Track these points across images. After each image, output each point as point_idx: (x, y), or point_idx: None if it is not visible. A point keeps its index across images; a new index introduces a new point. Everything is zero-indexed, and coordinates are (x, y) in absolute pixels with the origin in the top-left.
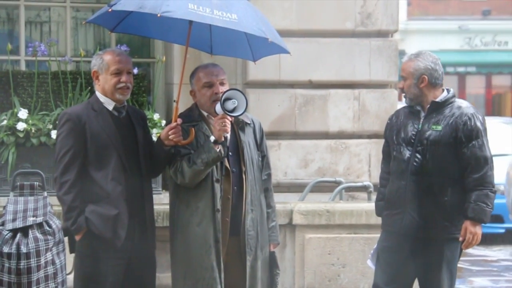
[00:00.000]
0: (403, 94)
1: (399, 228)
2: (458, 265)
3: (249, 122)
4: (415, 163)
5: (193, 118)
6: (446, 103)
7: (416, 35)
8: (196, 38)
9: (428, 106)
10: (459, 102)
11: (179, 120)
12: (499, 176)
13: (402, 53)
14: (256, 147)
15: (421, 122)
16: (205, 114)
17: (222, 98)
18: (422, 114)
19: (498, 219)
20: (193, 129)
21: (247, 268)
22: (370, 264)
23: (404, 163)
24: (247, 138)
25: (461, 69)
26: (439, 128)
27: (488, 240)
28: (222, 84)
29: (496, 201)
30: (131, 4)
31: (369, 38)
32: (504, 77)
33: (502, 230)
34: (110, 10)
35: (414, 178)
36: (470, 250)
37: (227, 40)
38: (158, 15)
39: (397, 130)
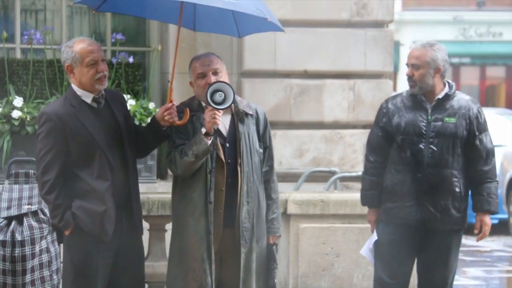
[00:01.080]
0: (411, 83)
1: (412, 220)
2: None
3: (251, 112)
4: (430, 155)
5: (192, 107)
6: (452, 95)
7: (411, 26)
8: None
9: (438, 97)
10: (461, 94)
11: (174, 101)
12: None
13: (397, 43)
14: (258, 138)
15: (429, 113)
16: (204, 105)
17: (209, 91)
18: (428, 105)
19: None
20: (187, 109)
21: (241, 260)
22: (367, 255)
23: (418, 154)
24: (246, 129)
25: (455, 60)
26: (453, 120)
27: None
28: (215, 73)
29: None
30: None
31: (365, 29)
32: (498, 68)
33: (496, 221)
34: None
35: (430, 170)
36: (463, 240)
37: (211, 16)
38: None
39: (402, 120)
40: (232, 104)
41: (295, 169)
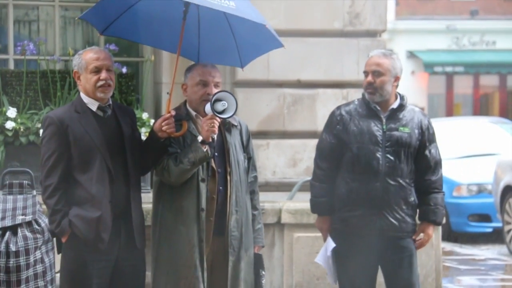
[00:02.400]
0: (371, 89)
1: (372, 229)
2: (446, 264)
3: (236, 124)
4: (387, 164)
5: (180, 116)
6: (405, 106)
7: (404, 35)
8: (183, 45)
9: (392, 107)
10: (411, 105)
11: (173, 112)
12: (486, 176)
13: None
14: (242, 149)
15: (384, 122)
16: (193, 113)
17: (213, 99)
18: (382, 114)
19: (486, 218)
20: (185, 122)
21: (229, 269)
22: (324, 263)
23: (375, 163)
24: (233, 140)
25: (449, 69)
26: (407, 130)
27: (476, 239)
28: (216, 86)
29: (484, 200)
30: None
31: (358, 38)
32: (491, 77)
33: (490, 229)
34: None
35: (387, 179)
36: (457, 249)
37: (215, 47)
38: None
39: (357, 128)
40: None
41: (289, 178)
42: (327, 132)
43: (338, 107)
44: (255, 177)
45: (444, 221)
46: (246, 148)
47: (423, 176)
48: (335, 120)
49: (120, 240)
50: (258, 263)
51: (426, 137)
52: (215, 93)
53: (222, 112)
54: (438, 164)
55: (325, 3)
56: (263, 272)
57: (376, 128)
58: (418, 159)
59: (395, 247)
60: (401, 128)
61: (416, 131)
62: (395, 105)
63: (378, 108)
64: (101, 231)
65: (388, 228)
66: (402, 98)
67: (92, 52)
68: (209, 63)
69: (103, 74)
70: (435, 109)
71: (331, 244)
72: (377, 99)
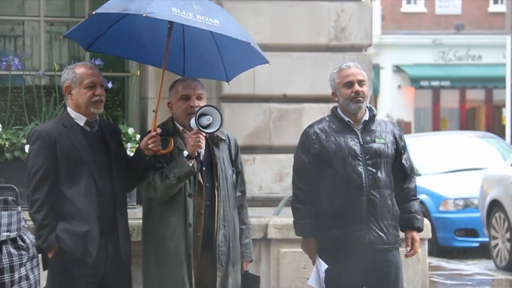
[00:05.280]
0: (360, 98)
1: (361, 244)
2: (433, 279)
3: (224, 138)
4: (370, 177)
5: (167, 131)
6: (375, 117)
7: (391, 49)
8: (169, 60)
9: (365, 119)
10: (378, 116)
11: (158, 130)
12: (473, 190)
13: (376, 67)
14: (230, 163)
15: (359, 136)
16: (180, 128)
17: (197, 114)
18: (356, 128)
19: (473, 233)
20: (171, 139)
21: (217, 284)
22: (318, 285)
23: (357, 178)
24: (221, 154)
25: (435, 83)
26: (383, 141)
27: (463, 254)
28: (199, 98)
29: (471, 215)
30: (115, 7)
31: (343, 53)
32: (477, 91)
33: (477, 244)
34: (94, 13)
35: (372, 192)
36: (444, 264)
37: (200, 61)
38: (144, 15)
39: (334, 145)
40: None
41: (275, 193)
42: (303, 152)
43: (310, 126)
44: (243, 192)
45: (431, 236)
46: (234, 162)
47: (401, 184)
48: (310, 139)
49: (107, 255)
50: (246, 281)
51: (400, 145)
52: (199, 108)
53: (207, 127)
54: (412, 171)
55: (310, 17)
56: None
57: (353, 143)
58: (395, 168)
59: (382, 261)
60: (377, 140)
61: (391, 141)
62: (366, 117)
63: (352, 122)
64: (88, 245)
65: (377, 241)
66: (371, 109)
67: (86, 68)
68: (189, 77)
69: (98, 90)
70: (422, 123)
71: (323, 265)
72: (362, 108)
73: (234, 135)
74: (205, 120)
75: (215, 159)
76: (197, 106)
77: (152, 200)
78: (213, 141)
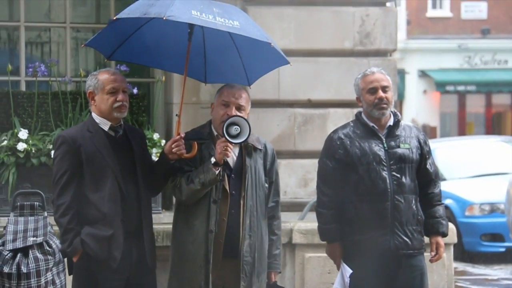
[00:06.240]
0: (384, 105)
1: (386, 250)
2: (459, 284)
3: (260, 147)
4: (395, 182)
5: (202, 135)
6: (400, 122)
7: (416, 54)
8: (190, 66)
9: (389, 124)
10: (403, 121)
11: (182, 133)
12: (499, 195)
13: (401, 72)
14: (264, 173)
15: (384, 141)
16: (215, 133)
17: (227, 123)
18: (380, 133)
19: (499, 238)
20: (195, 143)
21: None
22: None
23: (382, 183)
24: (253, 163)
25: (461, 88)
26: (407, 146)
27: (489, 259)
28: (239, 108)
29: (497, 220)
30: (135, 12)
31: (368, 58)
32: (504, 96)
33: (503, 249)
34: (115, 18)
35: (397, 197)
36: (470, 269)
37: (221, 66)
38: (164, 18)
39: (358, 150)
40: (249, 135)
41: (300, 198)
42: (327, 158)
43: (335, 131)
44: (277, 202)
45: (456, 241)
46: (269, 172)
47: (426, 190)
48: (335, 145)
49: (131, 259)
50: None
51: (425, 151)
52: (228, 117)
53: (235, 137)
54: (437, 176)
55: (335, 22)
56: None
57: (378, 148)
58: (420, 173)
59: (407, 266)
60: (402, 145)
61: (415, 146)
62: (391, 122)
63: (376, 127)
64: (113, 249)
65: (402, 247)
66: (396, 114)
67: (109, 74)
68: (238, 85)
69: (120, 96)
70: (447, 128)
71: (347, 270)
72: (386, 114)
73: None
74: (233, 130)
75: (245, 168)
76: (234, 115)
77: (181, 204)
78: (246, 149)
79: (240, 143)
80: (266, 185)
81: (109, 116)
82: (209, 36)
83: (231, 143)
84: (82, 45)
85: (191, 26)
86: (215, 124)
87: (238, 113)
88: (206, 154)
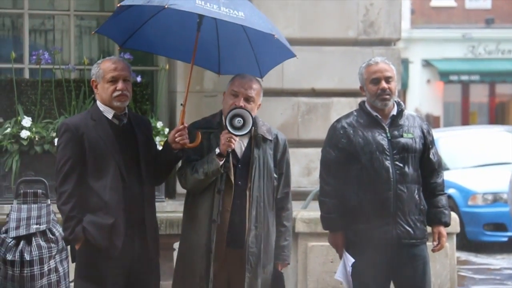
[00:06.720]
0: (387, 96)
1: (389, 239)
2: (461, 273)
3: (270, 138)
4: (398, 171)
5: (211, 124)
6: (403, 112)
7: (420, 44)
8: (204, 57)
9: (392, 114)
10: (406, 110)
11: (186, 123)
12: (502, 185)
13: (405, 61)
14: (274, 164)
15: (387, 130)
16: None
17: (230, 115)
18: (384, 122)
19: (501, 227)
20: (199, 132)
21: (245, 285)
22: (344, 279)
23: (385, 172)
24: (262, 154)
25: (464, 78)
26: (411, 135)
27: (491, 248)
28: (247, 99)
29: (499, 209)
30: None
31: (372, 47)
32: (507, 85)
33: (505, 239)
34: (118, 5)
35: (399, 187)
36: (473, 258)
37: (235, 58)
38: (166, 6)
39: (362, 139)
40: (252, 127)
41: (303, 187)
42: (330, 147)
43: (338, 120)
44: (287, 193)
45: (459, 230)
46: (279, 163)
47: (429, 179)
48: (338, 134)
49: (133, 248)
50: (276, 282)
51: (428, 140)
52: (231, 109)
53: (238, 129)
54: (440, 166)
55: (339, 11)
56: None
57: (381, 137)
58: (423, 163)
59: (409, 255)
60: (405, 134)
61: (419, 135)
62: (394, 111)
63: (380, 117)
64: (114, 238)
65: (404, 236)
66: (399, 104)
67: (110, 62)
68: (250, 76)
69: (120, 85)
70: (451, 117)
71: (350, 259)
72: (389, 105)
73: None
74: (236, 122)
75: (253, 158)
76: (239, 106)
77: (189, 193)
78: (255, 140)
79: (241, 135)
80: (276, 176)
81: (110, 105)
82: (222, 28)
83: (233, 135)
84: (93, 33)
85: (200, 15)
86: (224, 114)
87: (246, 104)
88: (214, 143)
